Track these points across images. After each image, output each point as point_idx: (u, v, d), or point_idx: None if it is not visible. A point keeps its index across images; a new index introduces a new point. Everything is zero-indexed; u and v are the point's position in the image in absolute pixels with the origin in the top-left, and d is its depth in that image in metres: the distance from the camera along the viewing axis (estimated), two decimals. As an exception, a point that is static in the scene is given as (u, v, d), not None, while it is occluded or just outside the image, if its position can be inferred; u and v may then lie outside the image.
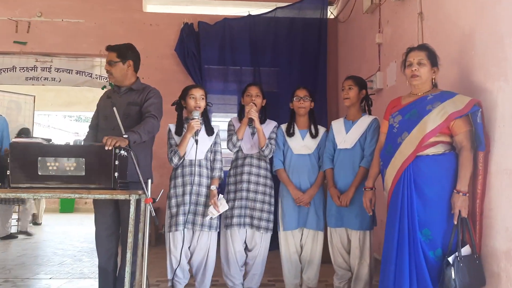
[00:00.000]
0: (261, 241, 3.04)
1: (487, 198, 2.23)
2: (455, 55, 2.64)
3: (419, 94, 2.44)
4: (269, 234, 3.07)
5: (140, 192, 2.44)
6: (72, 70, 6.03)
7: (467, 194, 2.19)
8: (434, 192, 2.25)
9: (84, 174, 2.36)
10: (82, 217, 8.34)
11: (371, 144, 2.88)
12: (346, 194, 2.87)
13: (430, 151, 2.29)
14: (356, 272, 2.89)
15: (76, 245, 5.50)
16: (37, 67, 6.02)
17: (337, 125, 3.08)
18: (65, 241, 5.91)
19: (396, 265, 2.26)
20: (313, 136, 3.11)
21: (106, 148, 2.32)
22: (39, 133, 8.28)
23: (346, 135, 2.99)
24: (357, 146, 2.94)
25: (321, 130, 3.17)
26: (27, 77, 6.01)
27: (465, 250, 2.15)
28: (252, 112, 2.97)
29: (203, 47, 5.55)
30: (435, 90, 2.42)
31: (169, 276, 2.95)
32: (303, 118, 3.16)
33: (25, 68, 6.00)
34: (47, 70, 6.02)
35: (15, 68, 5.99)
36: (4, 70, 5.95)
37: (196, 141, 2.87)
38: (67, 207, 9.37)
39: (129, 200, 2.37)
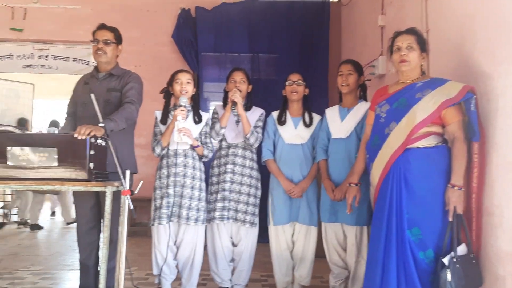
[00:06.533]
0: (247, 236, 2.88)
1: (491, 194, 2.02)
2: (458, 41, 2.42)
3: (408, 81, 2.24)
4: (255, 228, 2.91)
5: (117, 183, 2.30)
6: (69, 58, 5.92)
7: (463, 189, 1.99)
8: (425, 188, 2.05)
9: (57, 164, 2.23)
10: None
11: (368, 133, 2.67)
12: (341, 187, 2.68)
13: (421, 143, 2.09)
14: (354, 270, 2.71)
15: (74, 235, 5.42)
16: (34, 55, 5.91)
17: (332, 113, 2.87)
18: (63, 231, 5.86)
19: (383, 267, 2.07)
20: (307, 124, 2.92)
21: (78, 137, 2.17)
22: (40, 122, 8.24)
23: (341, 123, 2.79)
24: (353, 135, 2.74)
25: (316, 118, 2.97)
26: (24, 65, 5.91)
27: (461, 250, 1.96)
28: (236, 95, 2.78)
29: (200, 34, 5.36)
30: (425, 77, 2.22)
31: (155, 272, 2.81)
32: (296, 104, 2.97)
33: (22, 56, 5.90)
34: (44, 57, 5.92)
35: (12, 55, 5.89)
36: (1, 57, 5.86)
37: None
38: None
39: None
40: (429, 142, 2.10)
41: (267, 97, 4.54)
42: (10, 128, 2.27)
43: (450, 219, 1.98)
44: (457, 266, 1.90)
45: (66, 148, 2.23)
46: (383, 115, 2.25)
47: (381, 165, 2.16)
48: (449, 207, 1.98)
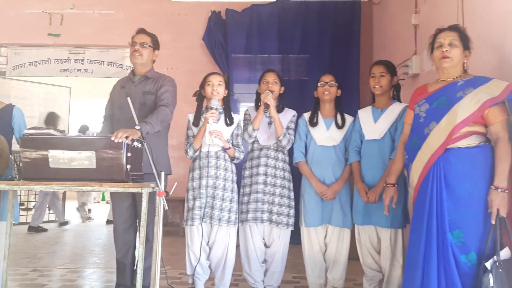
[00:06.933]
0: (280, 237, 2.88)
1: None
2: (497, 39, 2.34)
3: (449, 79, 2.17)
4: (289, 230, 2.90)
5: (152, 185, 2.35)
6: (103, 62, 6.09)
7: (506, 191, 1.91)
8: (467, 190, 1.99)
9: (95, 167, 2.30)
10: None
11: (402, 134, 2.63)
12: (374, 189, 2.65)
13: (462, 143, 2.03)
14: (388, 274, 2.67)
15: (108, 234, 5.59)
16: (70, 59, 6.11)
17: (365, 114, 2.84)
18: (98, 230, 6.04)
19: (423, 271, 2.02)
20: (339, 126, 2.89)
21: (115, 140, 2.24)
22: (77, 124, 8.52)
23: (374, 124, 2.75)
24: (387, 137, 2.70)
25: (349, 119, 2.94)
26: (61, 69, 6.13)
27: (504, 253, 1.89)
28: (268, 98, 2.79)
29: (230, 36, 5.41)
30: (467, 75, 2.15)
31: (189, 272, 2.86)
32: (329, 106, 2.95)
33: (59, 60, 6.11)
34: (80, 61, 6.11)
35: (50, 60, 6.12)
36: (40, 62, 6.09)
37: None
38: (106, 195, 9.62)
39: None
40: (471, 141, 2.03)
41: (297, 98, 4.53)
42: (51, 131, 2.35)
43: (493, 222, 1.91)
44: (500, 270, 1.84)
45: (104, 151, 2.30)
46: (422, 115, 2.20)
47: (421, 165, 2.11)
48: (492, 209, 1.92)
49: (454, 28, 2.18)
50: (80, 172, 2.30)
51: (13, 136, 3.08)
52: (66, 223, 6.29)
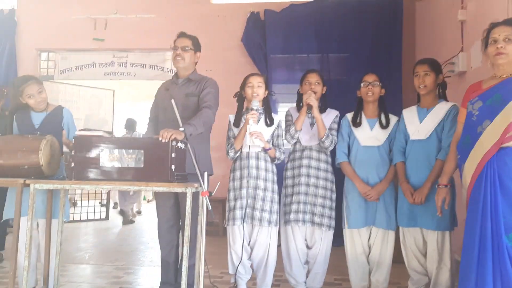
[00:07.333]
0: (322, 239, 2.85)
1: None
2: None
3: (504, 76, 2.08)
4: (331, 232, 2.88)
5: (196, 185, 2.40)
6: (145, 65, 6.25)
7: None
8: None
9: (143, 166, 2.37)
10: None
11: (449, 134, 2.53)
12: (420, 190, 2.57)
13: None
14: (435, 277, 2.59)
15: (150, 232, 5.74)
16: (114, 63, 6.31)
17: (409, 113, 2.77)
18: (141, 228, 6.21)
19: (477, 275, 1.94)
20: (384, 126, 2.84)
21: (162, 140, 2.30)
22: (120, 125, 8.83)
23: (420, 124, 2.68)
24: (433, 137, 2.62)
25: (393, 119, 2.87)
26: (106, 72, 6.34)
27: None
28: (311, 98, 2.77)
29: (268, 36, 5.41)
30: None
31: (231, 271, 2.89)
32: (372, 106, 2.90)
33: (103, 64, 6.32)
34: (123, 65, 6.30)
35: (95, 64, 6.34)
36: (85, 66, 6.33)
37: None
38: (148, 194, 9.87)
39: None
40: None
41: (336, 97, 4.47)
42: (100, 132, 2.44)
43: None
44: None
45: (151, 151, 2.37)
46: (475, 113, 2.12)
47: (473, 165, 2.04)
48: None
49: (510, 22, 2.08)
50: (128, 172, 2.38)
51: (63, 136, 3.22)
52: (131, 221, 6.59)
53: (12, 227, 2.95)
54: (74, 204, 7.32)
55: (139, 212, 7.58)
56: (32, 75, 3.05)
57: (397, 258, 2.84)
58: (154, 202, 8.79)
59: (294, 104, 3.09)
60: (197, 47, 2.91)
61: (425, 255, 2.66)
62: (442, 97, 2.75)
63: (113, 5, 6.09)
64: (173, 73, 2.99)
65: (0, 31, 6.13)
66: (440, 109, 2.66)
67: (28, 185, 2.44)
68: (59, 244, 2.80)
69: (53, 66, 6.39)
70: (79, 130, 2.48)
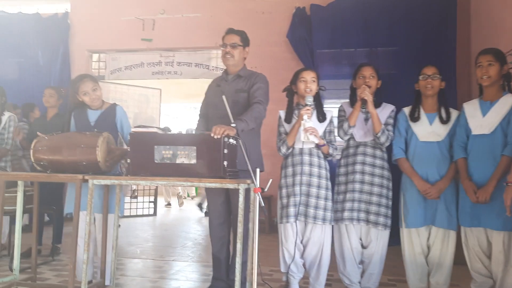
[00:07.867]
0: (378, 238, 2.76)
1: None
2: None
3: None
4: (388, 231, 2.77)
5: (248, 181, 2.38)
6: (191, 63, 6.34)
7: None
8: None
9: (195, 162, 2.38)
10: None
11: (517, 128, 2.38)
12: (485, 188, 2.42)
13: None
14: (501, 280, 2.44)
15: (198, 229, 5.82)
16: (161, 62, 6.45)
17: (471, 107, 2.62)
18: (188, 223, 6.31)
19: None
20: (444, 121, 2.70)
21: (214, 136, 2.30)
22: (167, 124, 9.04)
23: (483, 118, 2.52)
24: (498, 131, 2.46)
25: (454, 113, 2.73)
26: (153, 72, 6.49)
27: None
28: (365, 93, 2.68)
29: (315, 31, 5.33)
30: None
31: (283, 270, 2.85)
32: (431, 99, 2.76)
33: (151, 64, 6.48)
34: (170, 64, 6.42)
35: (143, 64, 6.50)
36: (134, 66, 6.51)
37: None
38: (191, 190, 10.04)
39: (239, 189, 2.32)
40: None
41: (385, 92, 4.32)
42: (155, 129, 2.47)
43: None
44: None
45: (203, 147, 2.37)
46: None
47: None
48: None
49: None
50: (181, 168, 2.39)
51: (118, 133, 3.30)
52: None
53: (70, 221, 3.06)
54: (136, 198, 7.50)
55: (168, 204, 7.99)
56: (88, 73, 3.16)
57: (458, 259, 2.70)
58: (196, 199, 9.01)
59: (341, 100, 3.01)
60: (245, 42, 2.90)
61: (489, 257, 2.51)
62: (508, 89, 2.58)
63: (160, 6, 6.22)
64: (222, 71, 2.99)
65: (55, 34, 6.42)
66: (506, 102, 2.50)
67: (86, 181, 2.52)
68: (115, 239, 2.87)
69: (104, 66, 6.62)
70: (135, 127, 2.53)
